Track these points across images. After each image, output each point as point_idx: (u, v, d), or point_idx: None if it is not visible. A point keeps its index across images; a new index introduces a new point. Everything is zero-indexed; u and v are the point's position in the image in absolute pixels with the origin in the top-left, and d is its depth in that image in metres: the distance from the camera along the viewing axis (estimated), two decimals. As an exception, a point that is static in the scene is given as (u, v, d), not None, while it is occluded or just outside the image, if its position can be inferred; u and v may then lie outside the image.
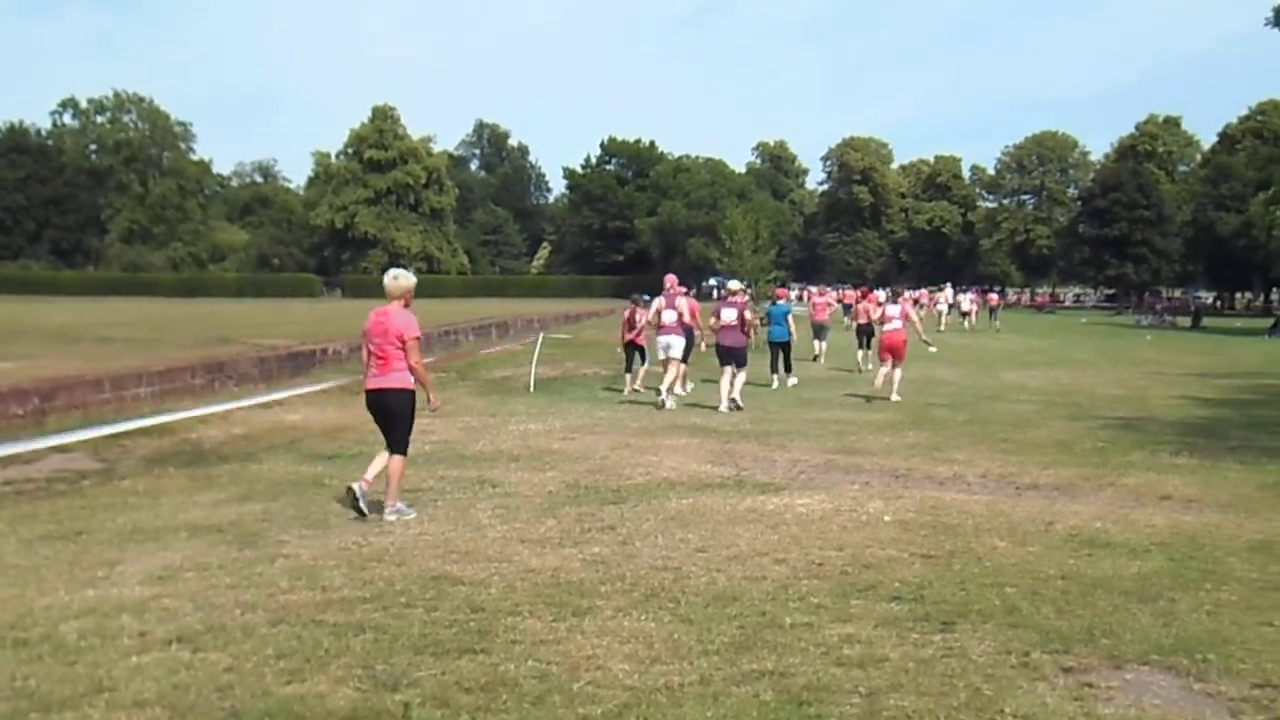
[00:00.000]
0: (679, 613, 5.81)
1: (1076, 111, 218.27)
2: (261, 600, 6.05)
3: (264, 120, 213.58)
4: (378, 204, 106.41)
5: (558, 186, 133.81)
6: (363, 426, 13.50)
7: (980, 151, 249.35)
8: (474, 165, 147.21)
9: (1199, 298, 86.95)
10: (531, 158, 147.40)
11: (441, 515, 8.36)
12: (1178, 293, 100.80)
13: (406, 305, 8.57)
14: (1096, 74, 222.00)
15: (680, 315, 17.00)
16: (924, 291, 63.63)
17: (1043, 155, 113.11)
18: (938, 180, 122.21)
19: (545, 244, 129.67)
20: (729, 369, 15.96)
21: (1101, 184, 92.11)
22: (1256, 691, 4.75)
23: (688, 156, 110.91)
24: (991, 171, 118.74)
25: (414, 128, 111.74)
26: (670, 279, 18.29)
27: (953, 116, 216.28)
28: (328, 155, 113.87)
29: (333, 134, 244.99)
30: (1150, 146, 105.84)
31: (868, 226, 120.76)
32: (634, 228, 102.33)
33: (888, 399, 17.01)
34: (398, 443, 8.50)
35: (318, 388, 18.20)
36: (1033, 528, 7.96)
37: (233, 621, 5.66)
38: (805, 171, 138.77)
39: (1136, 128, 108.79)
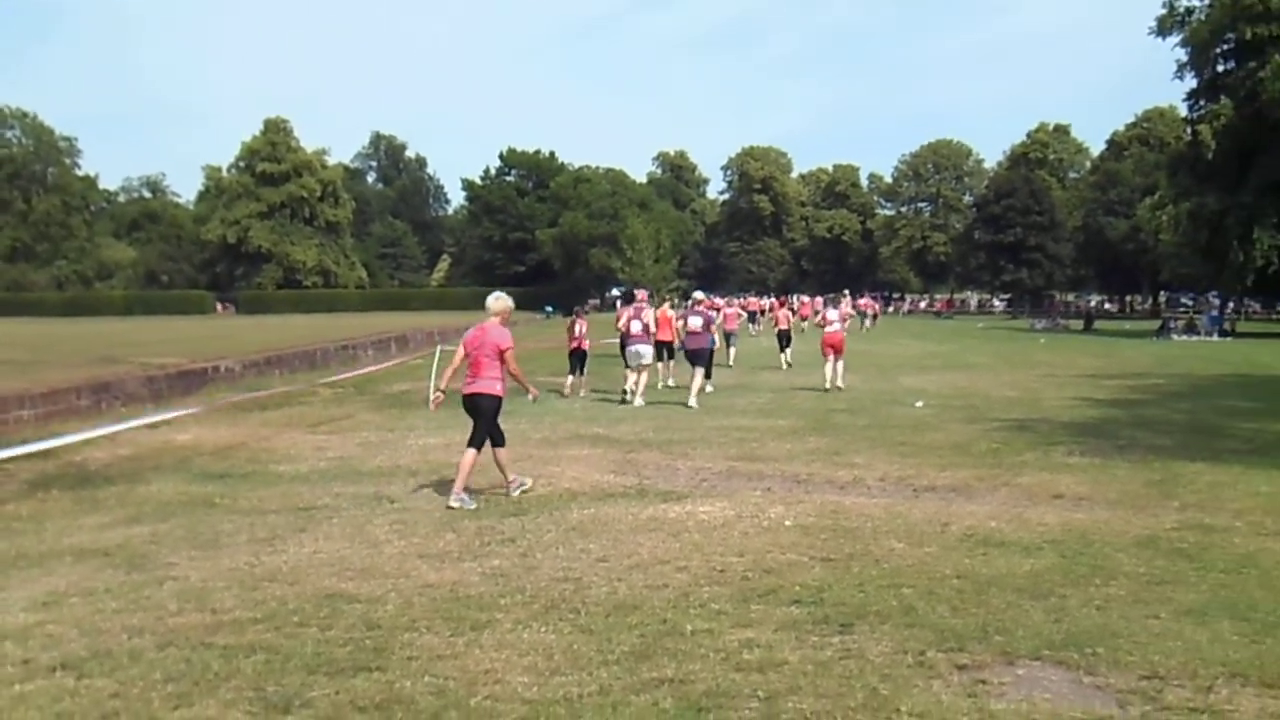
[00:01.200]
0: (579, 623, 5.81)
1: (970, 120, 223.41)
2: (149, 624, 5.91)
3: (152, 135, 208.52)
4: (271, 218, 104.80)
5: (457, 198, 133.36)
6: (256, 445, 13.30)
7: (878, 160, 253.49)
8: (371, 178, 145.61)
9: (1090, 301, 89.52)
10: (430, 169, 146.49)
11: (337, 532, 8.24)
12: (1071, 296, 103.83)
13: (504, 322, 10.00)
14: (989, 83, 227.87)
15: (646, 326, 18.74)
16: (817, 299, 64.51)
17: (938, 163, 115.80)
18: (837, 189, 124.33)
19: (445, 256, 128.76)
20: (696, 371, 18.40)
21: (995, 191, 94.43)
22: (1143, 683, 4.90)
23: (588, 167, 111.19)
24: (889, 180, 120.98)
25: (308, 140, 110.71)
26: (640, 294, 20.28)
27: (850, 126, 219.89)
28: (219, 169, 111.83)
29: (224, 147, 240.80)
30: (1041, 154, 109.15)
31: (769, 235, 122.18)
32: (535, 239, 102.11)
33: (840, 389, 19.93)
34: (480, 439, 9.62)
35: (210, 406, 17.79)
36: (929, 529, 8.12)
37: (119, 646, 5.53)
38: (706, 181, 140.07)
39: (1028, 135, 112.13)
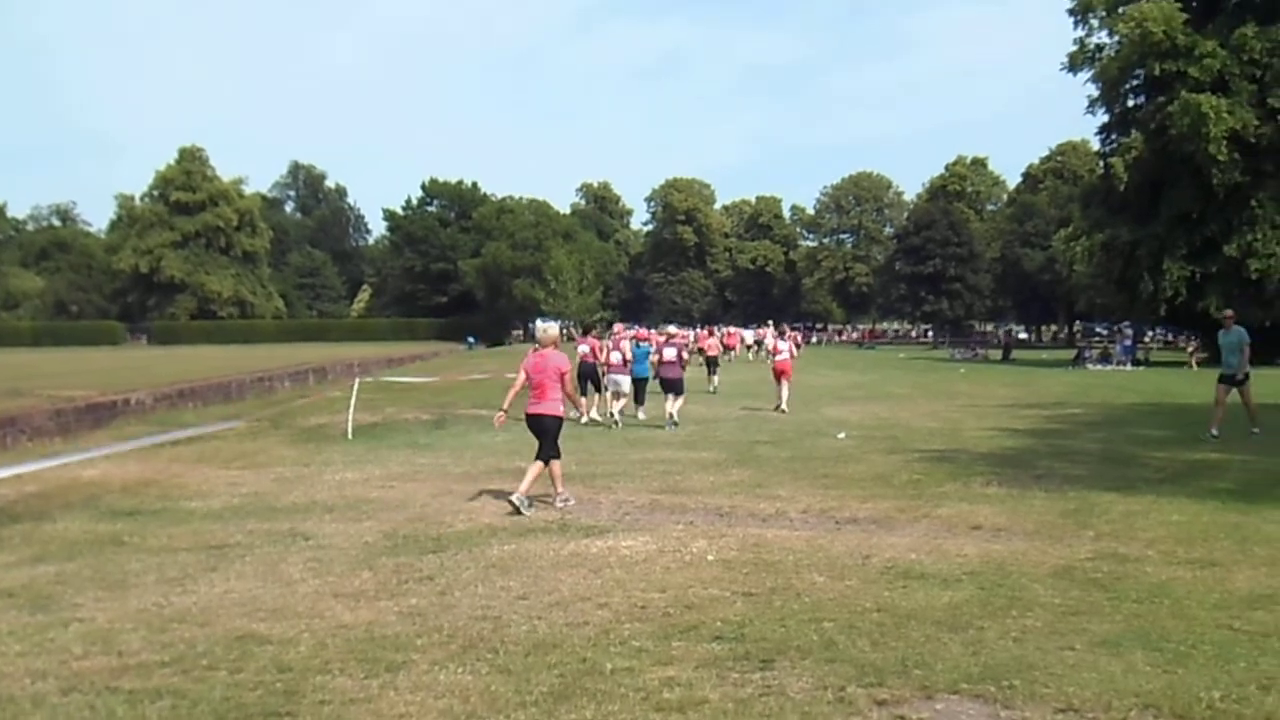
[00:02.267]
0: (497, 663, 5.75)
1: (890, 153, 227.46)
2: (53, 668, 5.77)
3: (63, 163, 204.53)
4: (186, 247, 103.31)
5: (378, 228, 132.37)
6: (166, 481, 13.02)
7: (800, 192, 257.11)
8: (289, 207, 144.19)
9: (1010, 331, 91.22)
10: (350, 199, 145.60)
11: (249, 571, 8.08)
12: (990, 326, 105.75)
13: (555, 348, 11.48)
14: (908, 116, 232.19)
15: (625, 357, 20.89)
16: (744, 330, 65.52)
17: (859, 195, 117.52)
18: (760, 220, 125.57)
19: (365, 287, 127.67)
20: (670, 396, 20.32)
21: (915, 222, 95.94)
22: (1059, 716, 4.97)
23: (511, 197, 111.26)
24: (811, 211, 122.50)
25: (225, 169, 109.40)
26: (619, 326, 23.36)
27: (773, 158, 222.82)
28: (131, 198, 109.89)
29: (137, 176, 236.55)
30: (960, 186, 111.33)
31: (693, 266, 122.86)
32: (458, 269, 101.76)
33: (784, 411, 22.18)
34: (551, 452, 11.12)
35: (119, 440, 17.41)
36: (851, 561, 8.18)
37: (22, 691, 5.39)
38: (630, 212, 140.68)
39: (946, 168, 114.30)
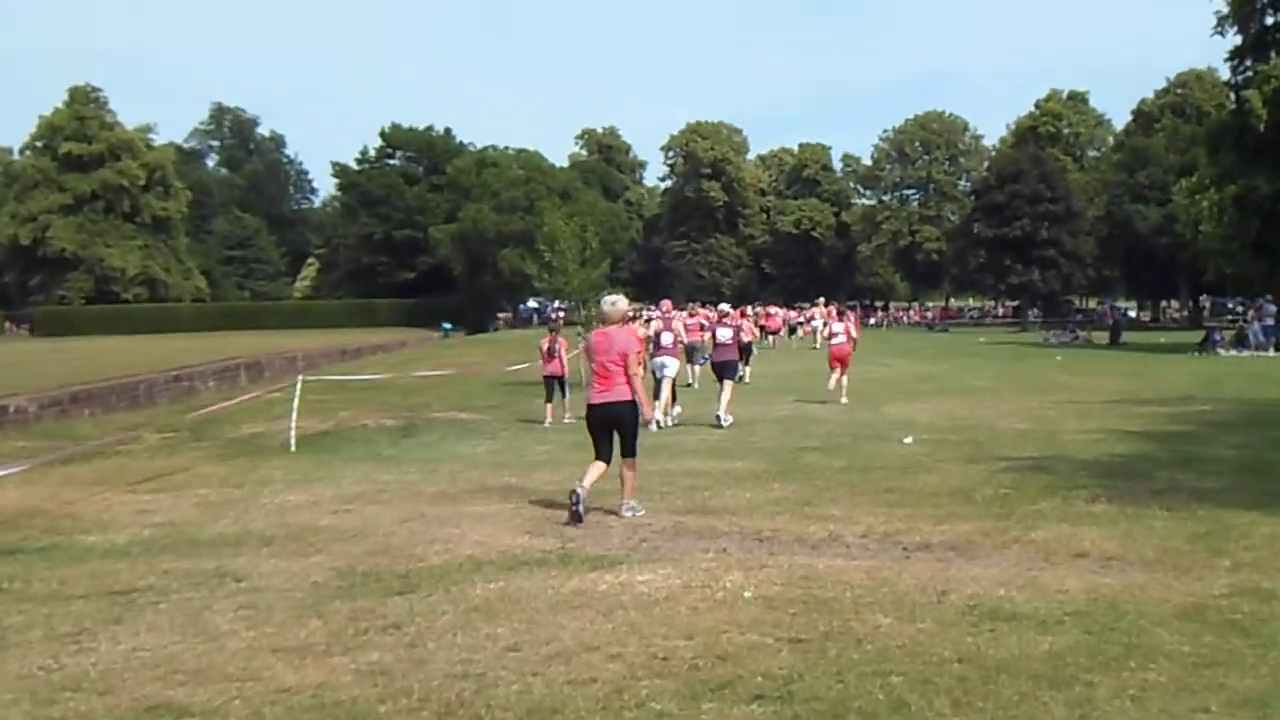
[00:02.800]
0: (481, 734, 5.74)
1: (966, 89, 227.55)
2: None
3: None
4: (79, 212, 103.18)
5: (326, 187, 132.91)
6: (57, 510, 13.03)
7: (853, 139, 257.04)
8: (212, 161, 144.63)
9: (1119, 309, 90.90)
10: (290, 151, 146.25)
11: (165, 623, 8.08)
12: (1093, 303, 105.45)
13: (623, 324, 12.30)
14: (987, 44, 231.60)
15: (676, 336, 22.49)
16: (789, 311, 65.84)
17: (927, 141, 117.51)
18: (804, 174, 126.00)
19: (311, 260, 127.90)
20: (726, 383, 21.59)
21: (998, 174, 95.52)
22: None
23: (494, 148, 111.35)
24: (867, 162, 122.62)
25: (128, 115, 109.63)
26: (666, 303, 25.73)
27: (819, 97, 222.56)
28: (8, 152, 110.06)
29: (14, 125, 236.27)
30: (1054, 128, 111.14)
31: (722, 231, 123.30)
32: (428, 238, 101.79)
33: (839, 401, 24.01)
34: (629, 449, 11.93)
35: (5, 468, 17.42)
36: (924, 599, 8.16)
37: None
38: (643, 165, 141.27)
39: (1037, 106, 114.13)
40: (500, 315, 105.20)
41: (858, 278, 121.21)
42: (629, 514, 11.64)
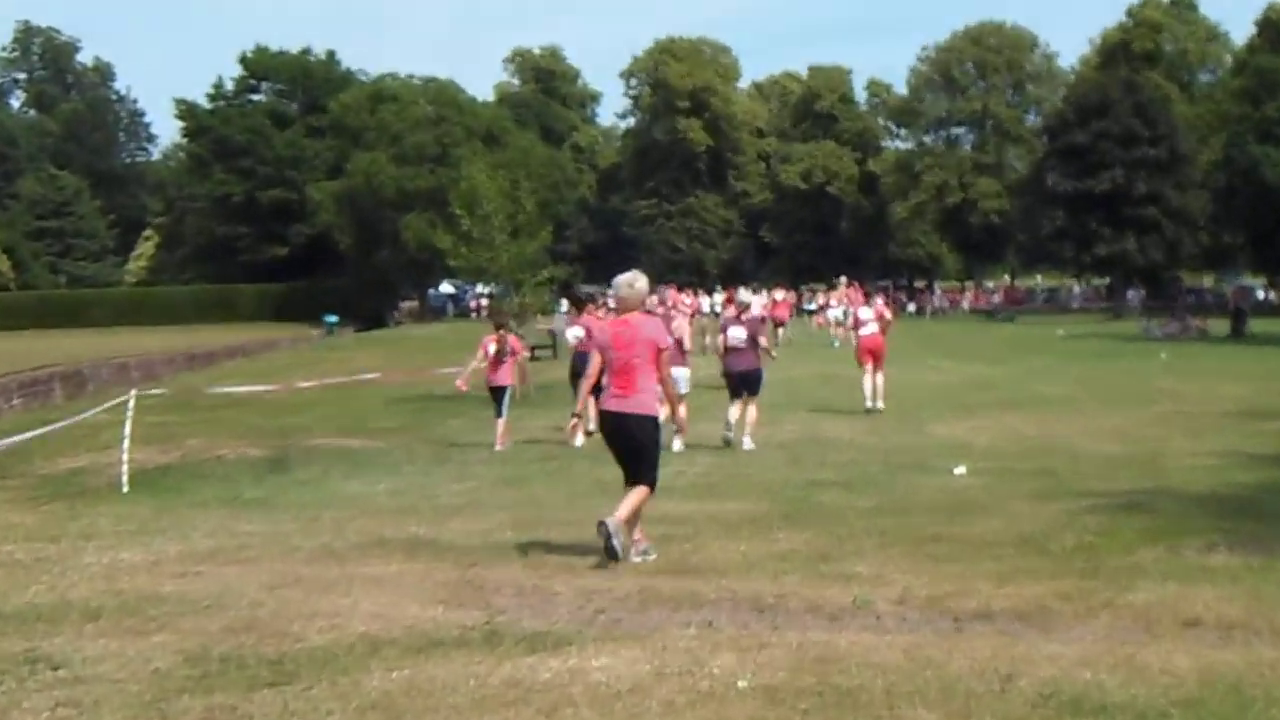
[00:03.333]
0: None
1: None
2: None
3: None
4: None
5: (168, 133, 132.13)
6: None
7: (882, 60, 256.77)
8: (16, 100, 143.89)
9: (1243, 288, 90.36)
10: (120, 86, 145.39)
11: (-45, 728, 8.05)
12: (1208, 280, 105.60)
13: (644, 310, 12.86)
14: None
15: (680, 340, 22.46)
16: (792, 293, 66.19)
17: (982, 62, 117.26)
18: (816, 108, 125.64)
19: (149, 233, 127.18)
20: (739, 401, 21.86)
21: (1078, 107, 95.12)
22: None
23: (394, 78, 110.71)
24: (901, 91, 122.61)
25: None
26: (670, 291, 24.85)
27: (833, 3, 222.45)
28: None
29: None
30: (1152, 44, 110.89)
31: (705, 187, 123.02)
32: (304, 199, 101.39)
33: (874, 408, 25.31)
34: (645, 475, 12.25)
35: None
36: (982, 686, 8.18)
37: None
38: (596, 98, 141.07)
39: (1129, 14, 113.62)
40: (403, 304, 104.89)
41: (890, 249, 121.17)
42: (638, 558, 12.00)
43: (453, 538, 13.92)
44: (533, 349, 38.11)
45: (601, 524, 11.78)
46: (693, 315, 44.21)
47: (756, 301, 29.98)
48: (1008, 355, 46.14)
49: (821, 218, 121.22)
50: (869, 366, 25.84)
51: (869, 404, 25.38)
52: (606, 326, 12.88)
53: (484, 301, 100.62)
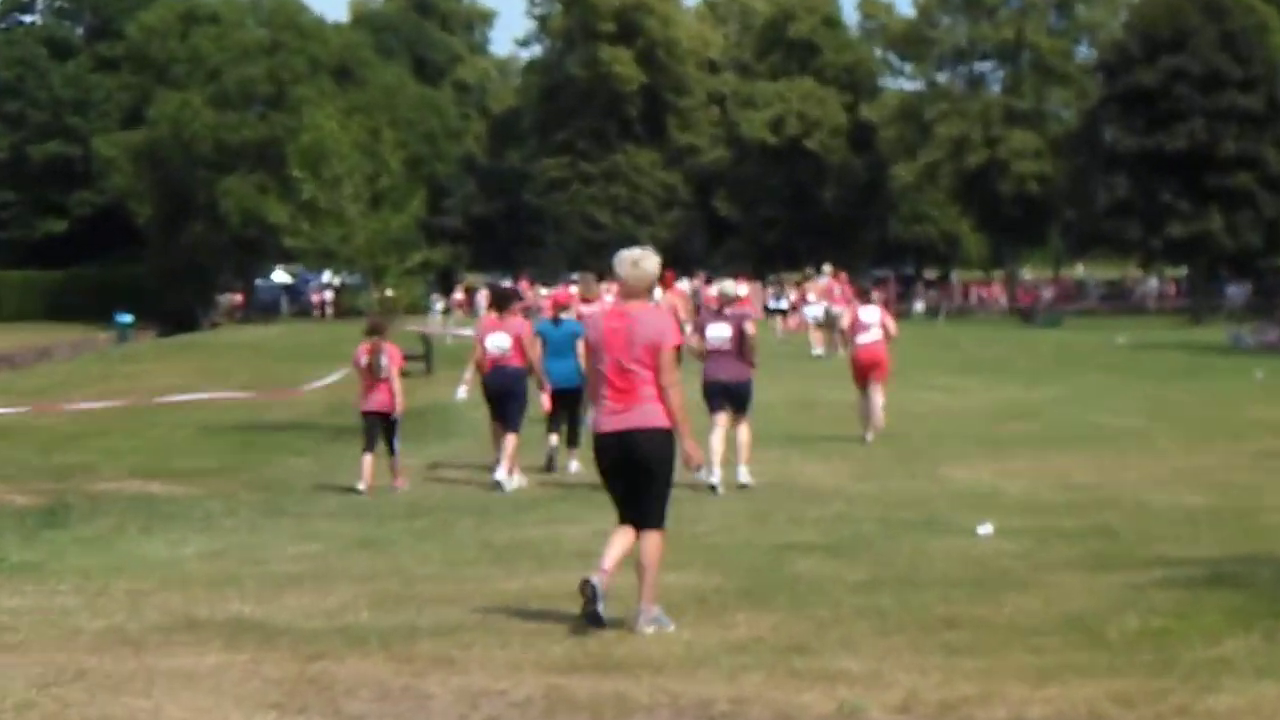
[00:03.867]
0: None
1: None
2: None
3: None
4: None
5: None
6: None
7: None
8: None
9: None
10: None
11: None
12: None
13: (648, 299, 12.92)
14: None
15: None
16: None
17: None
18: (789, 34, 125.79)
19: None
20: (721, 416, 22.55)
21: (1144, 36, 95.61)
22: None
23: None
24: (907, 12, 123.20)
25: None
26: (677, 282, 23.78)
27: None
28: None
29: None
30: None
31: (638, 140, 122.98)
32: (90, 156, 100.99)
33: (872, 435, 25.93)
34: (654, 513, 12.33)
35: None
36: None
37: None
38: (488, 19, 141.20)
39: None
40: (223, 299, 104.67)
41: (889, 228, 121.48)
42: (650, 628, 12.13)
43: (290, 619, 13.79)
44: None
45: (586, 582, 11.94)
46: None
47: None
48: (1050, 371, 46.48)
49: (797, 184, 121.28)
50: (871, 383, 26.07)
51: (867, 435, 25.80)
52: (599, 318, 12.75)
53: (329, 296, 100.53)
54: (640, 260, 12.27)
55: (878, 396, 25.97)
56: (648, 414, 11.90)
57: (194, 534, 19.35)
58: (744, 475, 21.90)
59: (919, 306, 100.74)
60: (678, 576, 15.35)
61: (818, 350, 51.62)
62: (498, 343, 23.67)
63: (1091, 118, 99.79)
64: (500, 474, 22.80)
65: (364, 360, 23.53)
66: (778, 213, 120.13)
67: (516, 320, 24.41)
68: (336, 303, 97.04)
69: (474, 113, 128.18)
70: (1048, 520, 18.43)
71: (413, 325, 47.27)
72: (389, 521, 19.95)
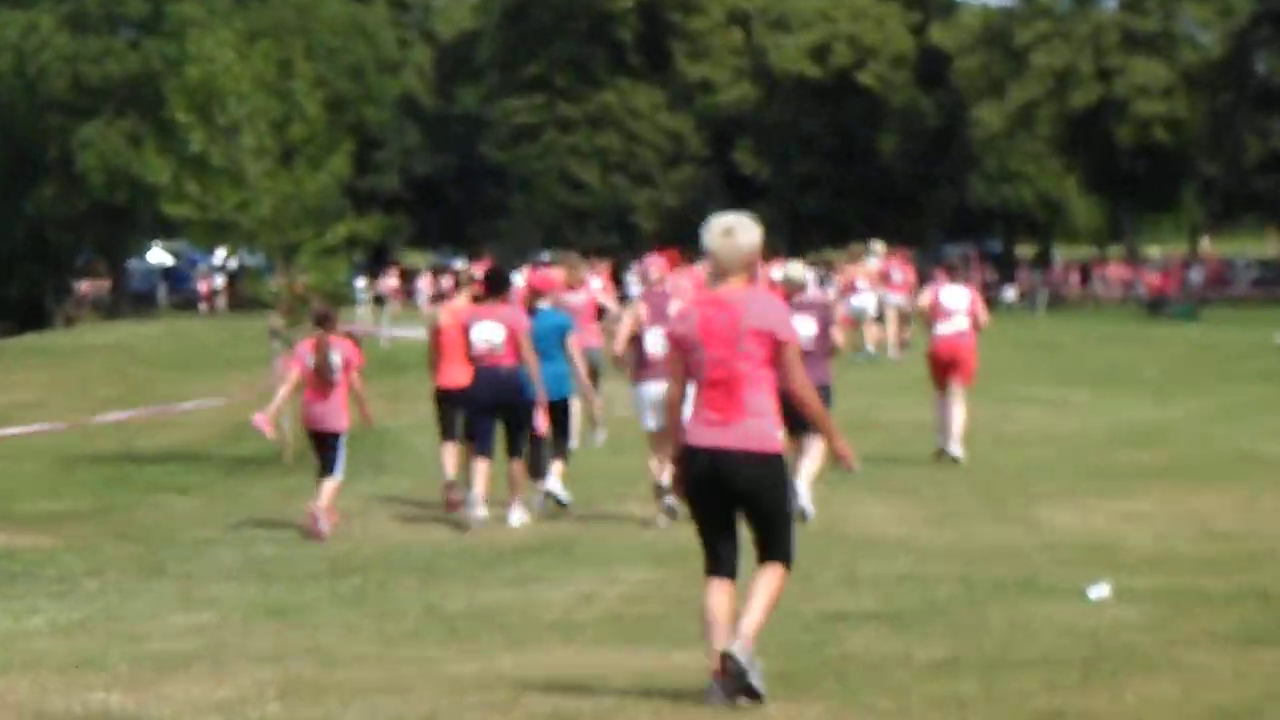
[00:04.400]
0: None
1: None
2: None
3: None
4: None
5: None
6: None
7: None
8: None
9: None
10: None
11: None
12: None
13: (750, 281, 12.63)
14: None
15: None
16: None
17: None
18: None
19: None
20: (813, 440, 23.12)
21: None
22: None
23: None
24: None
25: None
26: (659, 263, 25.58)
27: None
28: None
29: None
30: None
31: (633, 75, 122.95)
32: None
33: (946, 453, 25.87)
34: (778, 545, 12.30)
35: None
36: None
37: None
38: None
39: None
40: (81, 286, 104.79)
41: (971, 187, 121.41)
42: (757, 680, 11.75)
43: (173, 713, 13.76)
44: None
45: (728, 657, 11.47)
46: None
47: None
48: (1185, 381, 46.46)
49: (845, 131, 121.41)
50: (953, 386, 26.50)
51: (951, 448, 26.21)
52: (691, 307, 12.68)
53: (221, 282, 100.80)
54: (734, 228, 11.99)
55: (960, 407, 26.24)
56: (754, 432, 11.65)
57: (45, 600, 19.28)
58: (805, 497, 22.40)
59: (1010, 294, 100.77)
60: (690, 655, 15.30)
61: (869, 349, 52.18)
62: (487, 335, 23.37)
63: (1239, 42, 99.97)
64: (513, 514, 23.18)
65: (309, 360, 23.55)
66: (819, 169, 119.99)
67: (508, 309, 24.21)
68: (231, 291, 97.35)
69: (416, 38, 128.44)
70: (1183, 580, 18.42)
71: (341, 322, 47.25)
72: (305, 582, 19.65)
